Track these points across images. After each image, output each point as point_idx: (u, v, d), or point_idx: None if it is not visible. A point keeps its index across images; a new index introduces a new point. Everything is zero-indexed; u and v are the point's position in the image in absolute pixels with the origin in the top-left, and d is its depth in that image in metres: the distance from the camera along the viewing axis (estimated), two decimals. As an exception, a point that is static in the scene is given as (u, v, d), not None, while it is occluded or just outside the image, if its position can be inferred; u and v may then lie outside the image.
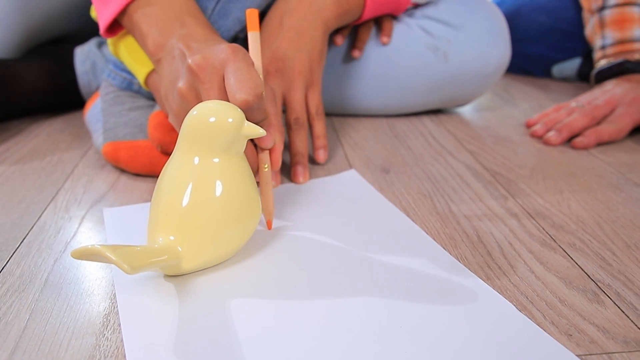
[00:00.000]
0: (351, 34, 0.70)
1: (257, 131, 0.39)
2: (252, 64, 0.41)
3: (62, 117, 0.73)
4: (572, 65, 0.95)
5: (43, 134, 0.67)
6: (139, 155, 0.54)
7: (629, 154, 0.64)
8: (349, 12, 0.60)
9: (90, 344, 0.33)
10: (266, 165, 0.45)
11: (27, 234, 0.45)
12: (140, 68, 0.55)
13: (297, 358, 0.31)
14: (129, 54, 0.56)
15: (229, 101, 0.40)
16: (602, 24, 0.80)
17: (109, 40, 0.59)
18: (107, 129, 0.57)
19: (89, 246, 0.33)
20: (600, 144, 0.66)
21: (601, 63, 0.79)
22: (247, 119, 0.40)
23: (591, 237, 0.45)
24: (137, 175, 0.55)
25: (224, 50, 0.41)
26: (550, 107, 0.74)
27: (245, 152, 0.41)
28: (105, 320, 0.35)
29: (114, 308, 0.36)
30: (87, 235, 0.45)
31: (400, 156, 0.62)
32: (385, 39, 0.68)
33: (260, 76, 0.42)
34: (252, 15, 0.45)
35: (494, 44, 0.70)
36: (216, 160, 0.38)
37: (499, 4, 1.01)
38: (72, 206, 0.50)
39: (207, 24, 0.49)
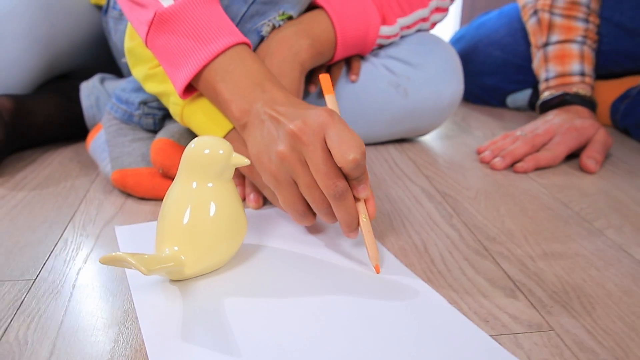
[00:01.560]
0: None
1: (243, 160, 0.49)
2: (347, 125, 0.47)
3: (70, 147, 0.82)
4: (524, 96, 1.06)
5: (55, 163, 0.76)
6: (143, 181, 0.64)
7: (561, 177, 0.75)
8: (322, 54, 0.71)
9: (115, 332, 0.42)
10: (364, 216, 0.49)
11: (53, 249, 0.54)
12: (216, 129, 0.59)
13: (277, 341, 0.41)
14: (205, 114, 0.60)
15: (335, 161, 0.46)
16: (546, 59, 0.92)
17: (174, 105, 0.62)
18: (113, 158, 0.66)
19: (114, 254, 0.42)
20: (538, 168, 0.77)
21: (545, 94, 0.90)
22: (351, 176, 0.47)
23: (516, 246, 0.56)
24: (142, 198, 0.65)
25: (322, 114, 0.47)
26: (499, 135, 0.85)
27: (234, 180, 0.51)
28: (124, 314, 0.44)
29: (131, 305, 0.45)
30: (103, 250, 0.54)
31: (381, 187, 0.72)
32: (353, 77, 0.79)
33: None
34: (325, 80, 0.53)
35: (449, 81, 0.81)
36: (210, 185, 0.48)
37: (459, 39, 1.13)
38: (88, 225, 0.59)
39: (283, 87, 0.55)
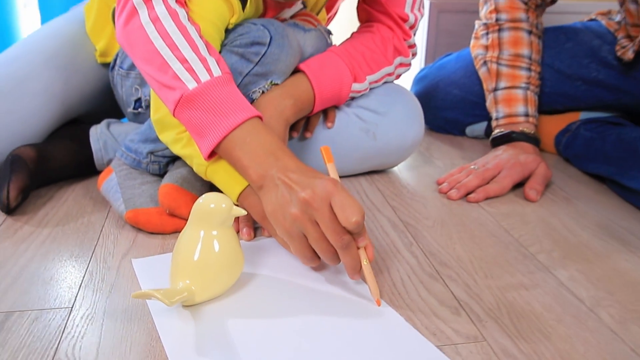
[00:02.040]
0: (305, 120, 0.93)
1: (241, 212, 0.61)
2: (348, 191, 0.59)
3: (81, 184, 0.93)
4: (480, 127, 1.20)
5: (70, 200, 0.87)
6: (153, 219, 0.75)
7: (507, 205, 0.88)
8: (303, 110, 0.83)
9: (143, 349, 0.54)
10: (365, 260, 0.61)
11: (82, 280, 0.66)
12: (235, 185, 0.70)
13: (268, 351, 0.53)
14: (226, 173, 0.71)
15: (340, 223, 0.58)
16: (496, 101, 1.05)
17: (199, 165, 0.73)
18: (126, 199, 0.78)
19: (143, 290, 0.54)
20: (487, 198, 0.90)
21: (495, 131, 1.04)
22: (353, 232, 0.59)
23: (463, 270, 0.69)
24: (151, 233, 0.76)
25: (327, 184, 0.58)
26: (456, 168, 0.98)
27: (234, 226, 0.63)
28: (149, 334, 0.56)
29: (153, 327, 0.57)
30: (124, 280, 0.66)
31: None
32: (329, 124, 0.91)
33: None
34: (326, 151, 0.66)
35: (411, 125, 0.94)
36: (214, 232, 0.60)
37: (423, 78, 1.26)
38: (108, 258, 0.70)
39: (292, 155, 0.66)
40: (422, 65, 1.52)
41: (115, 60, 0.95)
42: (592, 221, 0.84)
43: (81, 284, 0.65)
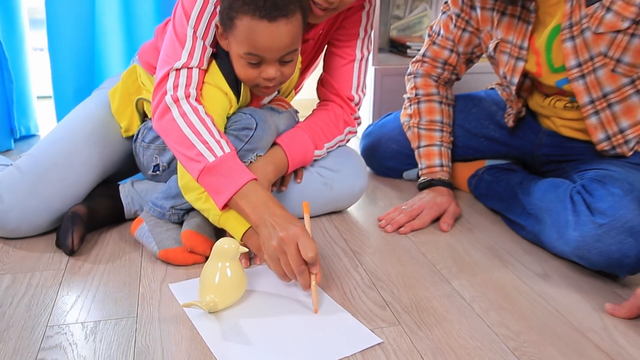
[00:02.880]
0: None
1: (244, 250, 0.95)
2: (310, 236, 0.93)
3: (116, 230, 1.25)
4: (413, 172, 1.56)
5: (111, 242, 1.19)
6: (179, 256, 1.08)
7: (426, 235, 1.24)
8: (280, 172, 1.18)
9: (192, 341, 0.87)
10: (314, 282, 0.93)
11: (138, 299, 0.98)
12: (240, 228, 1.03)
13: (261, 337, 0.87)
14: (235, 219, 1.03)
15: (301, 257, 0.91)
16: (419, 156, 1.41)
17: (215, 215, 1.05)
18: (157, 242, 1.11)
19: (188, 302, 0.88)
20: (413, 230, 1.26)
21: (420, 179, 1.40)
22: (309, 263, 0.92)
23: (391, 282, 1.04)
24: (177, 265, 1.09)
25: (297, 229, 0.91)
26: (392, 208, 1.33)
27: (242, 261, 0.97)
28: (191, 331, 0.89)
29: (193, 325, 0.90)
30: (166, 297, 0.98)
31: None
32: (298, 180, 1.26)
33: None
34: (305, 205, 1.00)
35: (358, 179, 1.30)
36: (227, 264, 0.94)
37: (369, 134, 1.62)
38: (151, 284, 1.03)
39: (279, 204, 0.99)
40: (371, 120, 1.89)
41: (137, 134, 1.28)
42: (484, 245, 1.20)
43: (138, 301, 0.97)
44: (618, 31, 1.06)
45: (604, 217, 1.00)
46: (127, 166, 1.35)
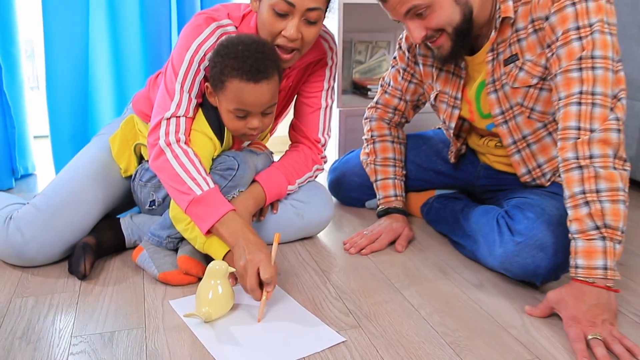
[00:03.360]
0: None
1: (232, 269, 1.16)
2: (271, 262, 1.15)
3: (118, 257, 1.45)
4: (374, 201, 1.79)
5: (115, 268, 1.39)
6: (176, 277, 1.29)
7: (384, 256, 1.47)
8: (259, 205, 1.40)
9: (193, 344, 1.08)
10: (265, 297, 1.15)
11: (145, 313, 1.18)
12: (221, 250, 1.24)
13: (248, 337, 1.08)
14: (217, 243, 1.24)
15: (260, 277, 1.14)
16: (377, 188, 1.65)
17: (200, 243, 1.28)
18: (157, 266, 1.31)
19: (189, 312, 1.09)
20: (373, 252, 1.49)
21: (379, 207, 1.63)
22: (265, 282, 1.14)
23: (354, 294, 1.26)
24: (174, 285, 1.30)
25: (262, 255, 1.13)
26: (355, 233, 1.56)
27: (231, 279, 1.19)
28: (191, 338, 1.10)
29: (192, 331, 1.11)
30: (168, 310, 1.19)
31: (283, 266, 1.41)
32: (275, 211, 1.48)
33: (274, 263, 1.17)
34: (276, 236, 1.20)
35: (325, 209, 1.53)
36: (219, 282, 1.15)
37: (335, 169, 1.85)
38: (155, 301, 1.24)
39: (253, 232, 1.21)
40: (337, 155, 2.13)
41: (135, 174, 1.49)
42: (431, 262, 1.44)
43: (145, 315, 1.18)
44: (529, 86, 1.31)
45: (521, 236, 1.24)
46: (126, 202, 1.56)
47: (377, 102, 1.69)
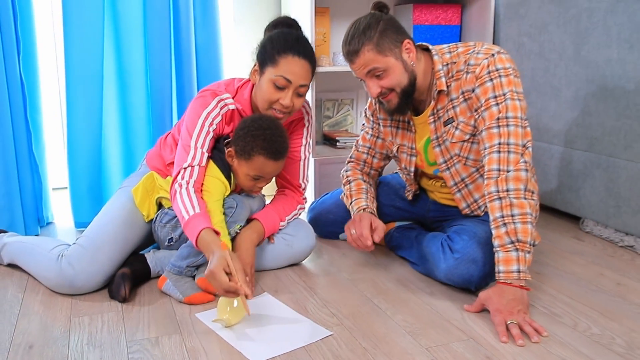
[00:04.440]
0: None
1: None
2: (219, 274, 1.51)
3: (146, 285, 1.80)
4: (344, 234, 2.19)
5: (146, 293, 1.75)
6: (197, 298, 1.66)
7: (358, 274, 1.87)
8: (261, 238, 1.80)
9: (219, 343, 1.45)
10: (243, 297, 1.54)
11: (178, 322, 1.55)
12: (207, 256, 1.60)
13: (255, 335, 1.47)
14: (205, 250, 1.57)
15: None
16: (352, 207, 2.04)
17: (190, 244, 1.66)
18: (181, 292, 1.68)
19: (216, 319, 1.47)
20: (368, 245, 1.89)
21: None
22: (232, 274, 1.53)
23: (336, 303, 1.65)
24: (196, 304, 1.67)
25: (219, 263, 1.45)
26: (334, 259, 1.96)
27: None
28: (218, 337, 1.47)
29: (217, 334, 1.48)
30: (195, 320, 1.56)
31: (274, 283, 1.79)
32: (272, 241, 1.87)
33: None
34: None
35: (309, 240, 1.93)
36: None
37: (314, 208, 2.25)
38: (184, 315, 1.60)
39: (219, 245, 1.54)
40: (314, 197, 2.54)
41: (155, 218, 1.86)
42: (395, 278, 1.84)
43: (178, 324, 1.54)
44: (464, 141, 1.75)
45: (458, 254, 1.66)
46: (146, 241, 1.93)
47: (351, 157, 2.12)
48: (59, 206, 2.54)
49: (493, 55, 1.66)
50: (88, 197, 2.34)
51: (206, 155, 1.77)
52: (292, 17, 1.87)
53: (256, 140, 1.71)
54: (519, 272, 1.52)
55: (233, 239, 1.76)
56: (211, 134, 1.77)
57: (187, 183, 1.71)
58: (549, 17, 2.41)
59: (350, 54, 1.70)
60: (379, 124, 2.00)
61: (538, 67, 2.48)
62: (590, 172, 2.27)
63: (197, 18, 2.45)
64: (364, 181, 2.08)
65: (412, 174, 1.95)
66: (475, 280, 1.65)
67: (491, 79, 1.64)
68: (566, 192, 2.41)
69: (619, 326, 1.53)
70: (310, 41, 1.78)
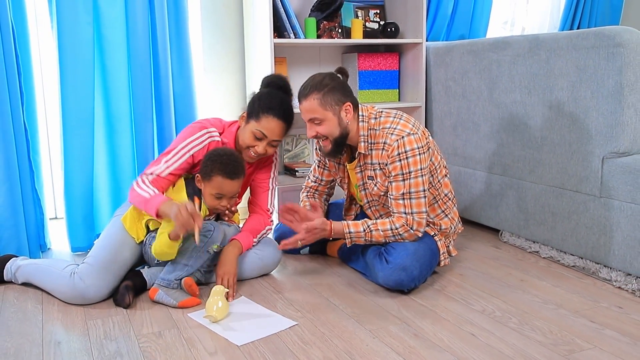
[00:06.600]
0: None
1: (226, 289, 1.96)
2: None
3: (142, 297, 2.20)
4: (306, 250, 2.62)
5: (144, 302, 2.14)
6: (190, 302, 2.07)
7: (317, 279, 2.31)
8: (240, 253, 2.23)
9: (212, 341, 1.86)
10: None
11: (175, 321, 1.95)
12: (169, 225, 2.03)
13: (234, 325, 1.88)
14: (167, 222, 2.03)
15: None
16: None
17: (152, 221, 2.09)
18: (174, 299, 2.07)
19: (206, 315, 1.88)
20: (311, 231, 2.33)
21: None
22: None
23: (299, 303, 2.08)
24: (187, 307, 2.07)
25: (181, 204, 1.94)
26: (294, 271, 2.39)
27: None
28: (208, 329, 1.88)
29: (207, 327, 1.89)
30: (188, 318, 1.96)
31: (249, 289, 2.21)
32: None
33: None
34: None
35: (276, 255, 2.36)
36: (219, 297, 1.95)
37: (277, 229, 2.67)
38: (179, 316, 2.00)
39: (174, 203, 2.00)
40: (278, 220, 2.97)
41: (145, 240, 2.26)
42: (346, 282, 2.29)
43: (176, 322, 1.94)
44: (381, 195, 2.23)
45: (391, 263, 2.12)
46: (138, 259, 2.32)
47: (305, 185, 2.57)
48: (55, 234, 2.90)
49: (403, 137, 2.12)
50: (82, 225, 2.71)
51: (170, 171, 2.17)
52: (279, 74, 2.36)
53: (214, 163, 2.13)
54: (350, 233, 2.15)
55: (216, 255, 2.18)
56: (185, 159, 2.19)
57: (147, 177, 2.14)
58: (468, 66, 2.93)
59: (300, 97, 2.17)
60: (326, 159, 2.46)
61: (462, 106, 3.00)
62: (505, 192, 2.78)
63: (174, 68, 2.87)
64: (314, 198, 2.53)
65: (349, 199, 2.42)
66: (406, 284, 2.11)
67: (400, 160, 2.13)
68: (487, 209, 2.91)
69: (515, 309, 2.01)
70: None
